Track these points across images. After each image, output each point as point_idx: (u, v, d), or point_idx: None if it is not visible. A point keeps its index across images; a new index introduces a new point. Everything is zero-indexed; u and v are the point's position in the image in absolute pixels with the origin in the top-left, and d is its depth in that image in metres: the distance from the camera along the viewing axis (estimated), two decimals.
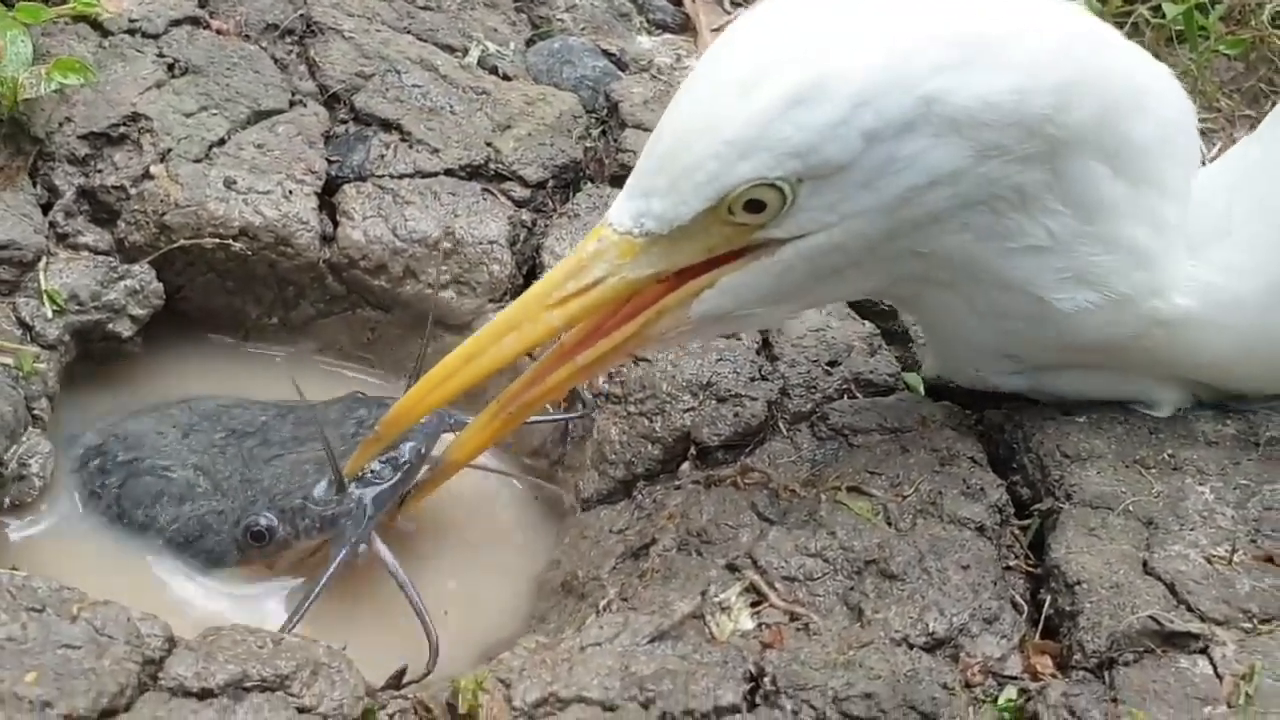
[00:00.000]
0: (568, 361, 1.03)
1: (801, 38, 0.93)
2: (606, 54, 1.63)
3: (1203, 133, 1.73)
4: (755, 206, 0.94)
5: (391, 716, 0.93)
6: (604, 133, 1.52)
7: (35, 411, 1.18)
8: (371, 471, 1.13)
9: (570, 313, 0.99)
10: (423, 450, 1.14)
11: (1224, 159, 1.15)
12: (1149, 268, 1.04)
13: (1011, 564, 1.06)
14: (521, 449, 1.31)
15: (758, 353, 1.27)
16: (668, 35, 1.72)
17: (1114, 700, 0.92)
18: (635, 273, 0.97)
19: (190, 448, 1.21)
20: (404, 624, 1.08)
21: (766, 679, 0.92)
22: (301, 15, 1.52)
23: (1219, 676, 0.93)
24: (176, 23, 1.46)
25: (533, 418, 1.13)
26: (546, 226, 1.40)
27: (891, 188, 0.94)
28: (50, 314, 1.23)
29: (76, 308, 1.25)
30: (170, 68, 1.41)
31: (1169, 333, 1.07)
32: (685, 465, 1.21)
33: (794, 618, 0.99)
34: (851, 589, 1.02)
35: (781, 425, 1.21)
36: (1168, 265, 1.05)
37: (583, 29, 1.68)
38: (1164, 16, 1.76)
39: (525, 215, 1.40)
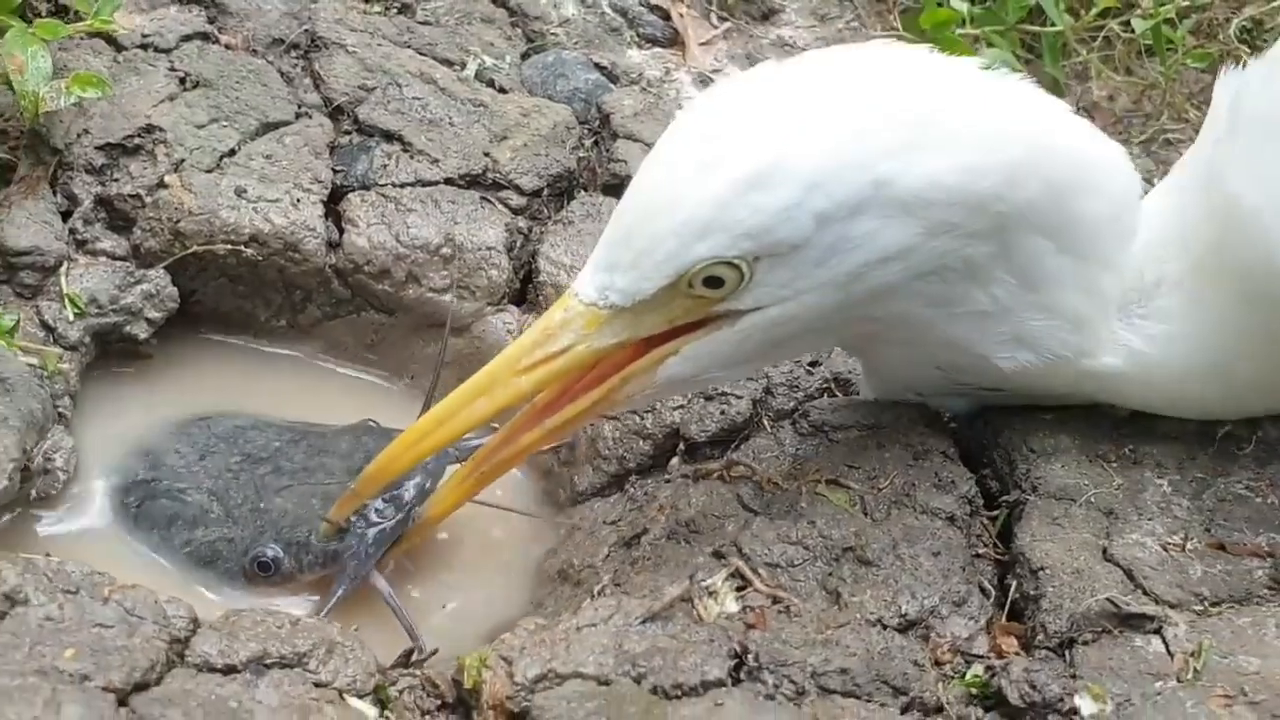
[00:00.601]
0: (538, 424, 1.08)
1: (756, 122, 0.98)
2: (598, 67, 1.69)
3: (1170, 142, 1.81)
4: (714, 282, 0.99)
5: (401, 692, 0.99)
6: (596, 143, 1.58)
7: (59, 409, 1.24)
8: (375, 510, 1.18)
9: (538, 378, 1.04)
10: (426, 486, 1.20)
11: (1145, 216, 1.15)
12: (1081, 332, 1.10)
13: (980, 552, 1.12)
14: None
15: None
16: (657, 49, 1.78)
17: (1073, 676, 0.99)
18: (600, 342, 1.02)
19: (206, 471, 1.27)
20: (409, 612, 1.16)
21: (750, 656, 0.99)
22: (306, 30, 1.59)
23: (1171, 654, 1.00)
24: (187, 38, 1.53)
25: None
26: (542, 233, 1.47)
27: (844, 265, 0.99)
28: (71, 317, 1.30)
29: (96, 311, 1.32)
30: (182, 81, 1.47)
31: (1100, 383, 1.14)
32: (675, 460, 1.28)
33: (776, 601, 1.06)
34: (830, 574, 1.09)
35: (765, 422, 1.27)
36: (1099, 329, 1.10)
37: (575, 43, 1.74)
38: (1134, 31, 1.83)
39: (522, 222, 1.47)
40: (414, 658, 1.07)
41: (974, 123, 1.00)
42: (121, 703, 0.89)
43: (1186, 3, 1.79)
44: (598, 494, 1.30)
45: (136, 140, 1.40)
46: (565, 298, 1.03)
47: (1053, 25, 1.80)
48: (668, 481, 1.24)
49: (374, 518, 1.18)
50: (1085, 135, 1.08)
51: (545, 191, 1.50)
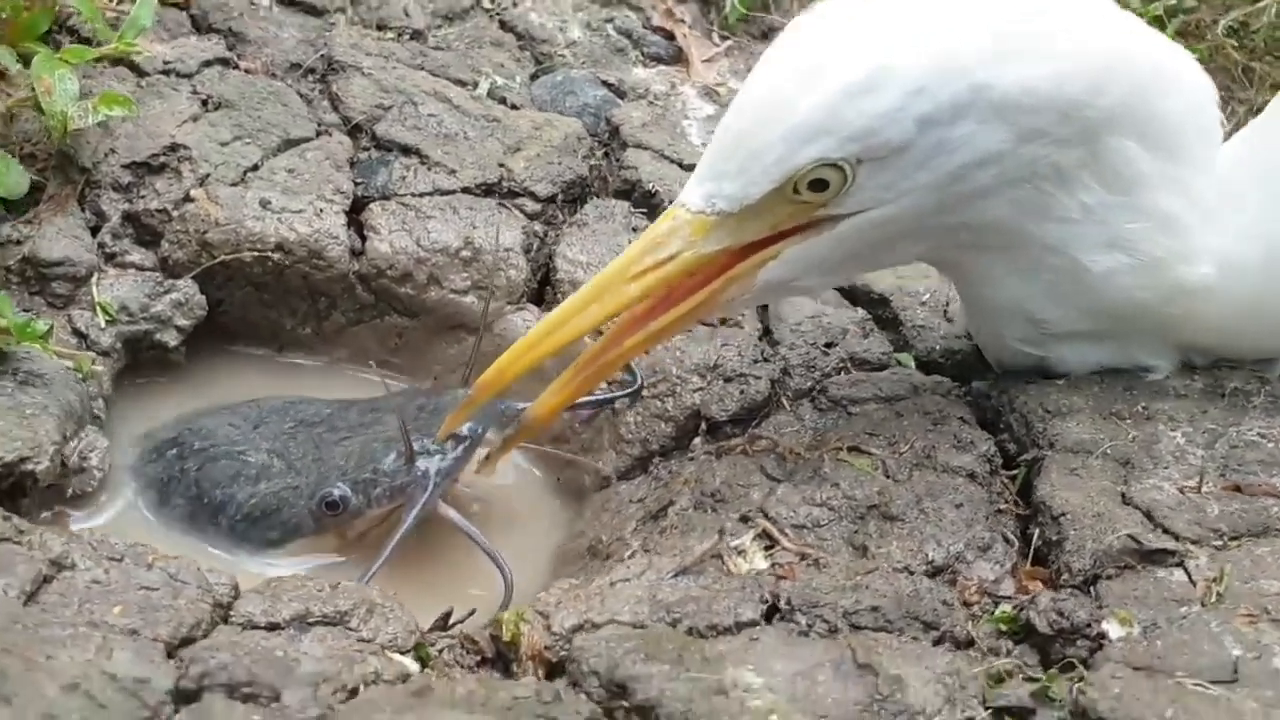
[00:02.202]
0: (642, 328, 1.13)
1: (862, 30, 1.04)
2: (606, 84, 1.73)
3: None
4: (819, 186, 1.04)
5: (440, 651, 1.01)
6: (607, 154, 1.62)
7: (93, 411, 1.27)
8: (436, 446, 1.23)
9: (647, 284, 1.09)
10: (480, 430, 1.25)
11: (1239, 135, 1.25)
12: (1178, 235, 1.14)
13: (1002, 507, 1.15)
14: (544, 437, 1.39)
15: (760, 338, 1.36)
16: (662, 66, 1.82)
17: (1099, 606, 1.00)
18: (707, 248, 1.07)
19: (262, 435, 1.30)
20: (442, 583, 1.21)
21: (782, 600, 1.01)
22: (322, 56, 1.63)
23: (1193, 582, 1.02)
24: (208, 63, 1.56)
25: (585, 398, 1.25)
26: (558, 236, 1.50)
27: (943, 167, 1.05)
28: (103, 324, 1.33)
29: (127, 318, 1.34)
30: (204, 103, 1.51)
31: (1190, 301, 1.17)
32: (697, 440, 1.30)
33: (804, 557, 1.08)
34: (856, 531, 1.11)
35: (784, 401, 1.30)
36: (1195, 233, 1.15)
37: (582, 63, 1.78)
38: None
39: (537, 226, 1.50)
40: (504, 580, 1.14)
41: (1060, 32, 1.06)
42: (169, 654, 0.91)
43: (1174, 1, 1.84)
44: (622, 477, 1.32)
45: (162, 158, 1.43)
46: (671, 210, 1.08)
47: None
48: (691, 460, 1.26)
49: (434, 451, 1.23)
50: (1159, 42, 1.14)
51: (559, 197, 1.53)
